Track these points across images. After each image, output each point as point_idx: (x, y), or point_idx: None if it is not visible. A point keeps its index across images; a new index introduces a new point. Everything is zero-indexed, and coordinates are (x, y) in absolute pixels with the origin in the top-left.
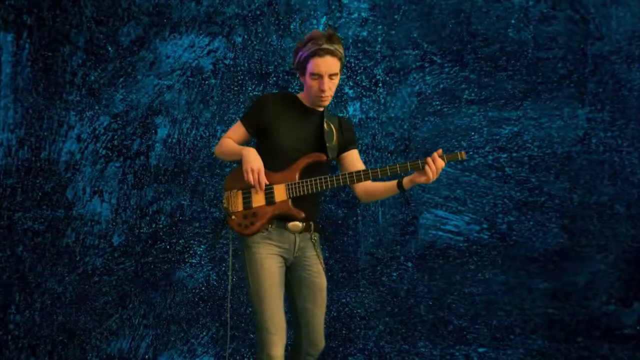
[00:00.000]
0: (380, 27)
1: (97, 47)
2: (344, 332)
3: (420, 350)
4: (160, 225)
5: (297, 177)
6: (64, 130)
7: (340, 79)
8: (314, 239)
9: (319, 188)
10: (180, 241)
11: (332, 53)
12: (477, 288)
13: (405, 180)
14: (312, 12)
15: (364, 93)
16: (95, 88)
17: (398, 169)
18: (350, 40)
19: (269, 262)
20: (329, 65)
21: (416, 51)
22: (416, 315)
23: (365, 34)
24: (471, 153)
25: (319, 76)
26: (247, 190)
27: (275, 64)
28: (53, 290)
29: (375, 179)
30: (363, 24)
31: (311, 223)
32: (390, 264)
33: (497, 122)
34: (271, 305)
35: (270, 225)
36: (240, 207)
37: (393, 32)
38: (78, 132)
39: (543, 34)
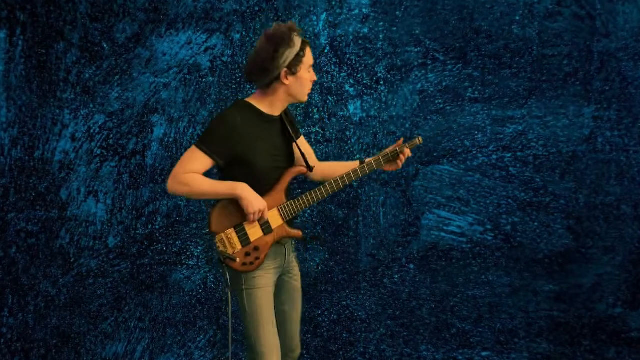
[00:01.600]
0: (381, 23)
1: (92, 44)
2: (344, 335)
3: (423, 354)
4: (157, 226)
5: (284, 197)
6: (58, 129)
7: (341, 76)
8: (293, 242)
9: (309, 203)
10: (177, 242)
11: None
12: (481, 290)
13: (368, 163)
14: (311, 9)
15: (365, 91)
16: (90, 86)
17: (374, 164)
18: (351, 37)
19: (264, 284)
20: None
21: (418, 48)
22: (418, 318)
23: (366, 30)
24: (475, 152)
25: (312, 67)
26: (239, 226)
27: None
28: (47, 293)
29: (357, 179)
30: (364, 20)
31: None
32: (391, 265)
33: (501, 121)
34: (267, 328)
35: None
36: (239, 246)
37: (395, 28)
38: (72, 131)
39: (548, 30)
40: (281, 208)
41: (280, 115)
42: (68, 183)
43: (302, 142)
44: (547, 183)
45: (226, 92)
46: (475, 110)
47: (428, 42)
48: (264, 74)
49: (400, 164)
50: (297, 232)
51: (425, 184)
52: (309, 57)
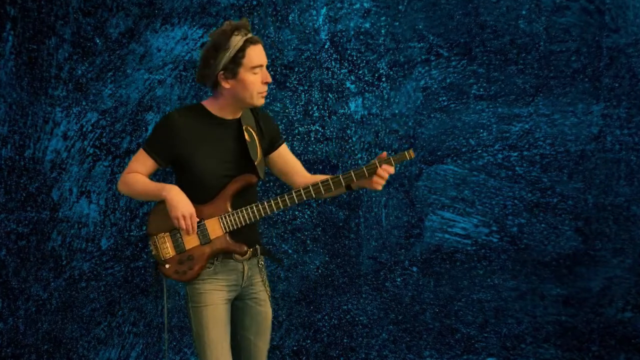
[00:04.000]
0: (383, 18)
1: (84, 39)
2: (345, 340)
3: None
4: None
5: (228, 206)
6: (50, 128)
7: (342, 73)
8: (261, 263)
9: (257, 216)
10: None
11: (260, 40)
12: (486, 294)
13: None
14: (311, 3)
15: (367, 88)
16: (83, 83)
17: (342, 180)
18: (352, 32)
19: (214, 299)
20: (264, 53)
21: (422, 44)
22: (421, 323)
23: (367, 25)
24: (480, 152)
25: (260, 67)
26: (175, 231)
27: (273, 57)
28: (38, 297)
29: (318, 195)
30: (365, 15)
31: (257, 247)
32: (394, 268)
33: (507, 119)
34: (216, 351)
35: (215, 259)
36: (172, 252)
37: (397, 23)
38: (64, 129)
39: (556, 25)
40: (222, 217)
41: (238, 120)
42: (60, 183)
43: (283, 151)
44: (554, 183)
45: None
46: (480, 108)
47: (432, 38)
48: (205, 77)
49: (377, 183)
50: (240, 246)
51: (428, 184)
52: (252, 58)
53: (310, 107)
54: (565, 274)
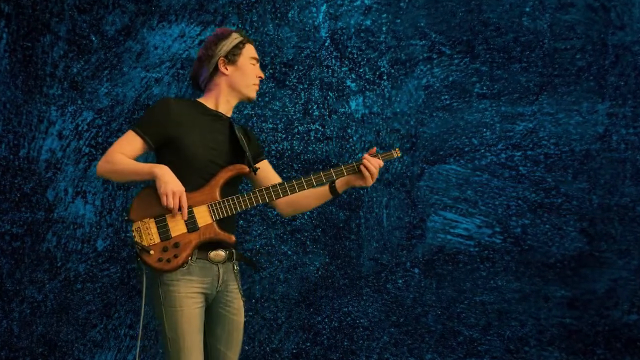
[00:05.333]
0: (384, 15)
1: (79, 37)
2: (345, 343)
3: None
4: None
5: (218, 195)
6: (45, 127)
7: (342, 71)
8: (236, 268)
9: (248, 205)
10: None
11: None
12: (489, 296)
13: (339, 182)
14: (311, 0)
15: (368, 86)
16: (78, 81)
17: (333, 174)
18: (353, 30)
19: (190, 304)
20: (257, 54)
21: (423, 41)
22: (423, 325)
23: (368, 22)
24: (483, 151)
25: (256, 61)
26: (161, 217)
27: (272, 55)
28: (33, 299)
29: (310, 187)
30: (366, 12)
31: (233, 250)
32: (395, 270)
33: (511, 118)
34: (191, 357)
35: (190, 258)
36: (157, 239)
37: (398, 20)
38: (59, 128)
39: (560, 22)
40: (212, 205)
41: (230, 118)
42: (55, 183)
43: (265, 166)
44: (559, 183)
45: None
46: (483, 107)
47: (434, 35)
48: (204, 66)
49: (368, 177)
50: (229, 236)
51: (430, 184)
52: (250, 50)
53: (310, 106)
54: (570, 275)
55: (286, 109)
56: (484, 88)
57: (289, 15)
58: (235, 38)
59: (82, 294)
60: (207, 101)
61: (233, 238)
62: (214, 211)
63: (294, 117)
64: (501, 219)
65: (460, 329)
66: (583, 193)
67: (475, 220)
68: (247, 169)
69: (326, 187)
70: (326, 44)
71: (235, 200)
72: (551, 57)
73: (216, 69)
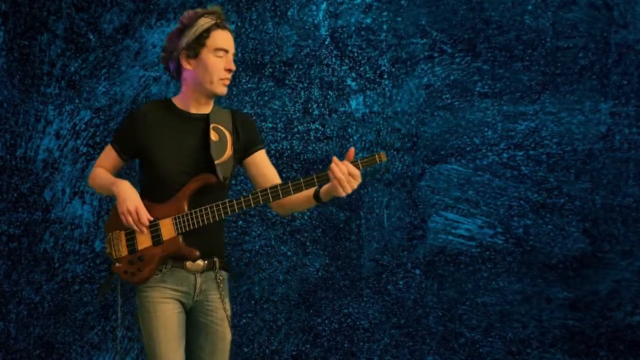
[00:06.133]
0: (385, 13)
1: (77, 35)
2: (345, 345)
3: None
4: None
5: (185, 207)
6: (42, 126)
7: (342, 70)
8: (219, 278)
9: (214, 218)
10: None
11: (230, 30)
12: (491, 297)
13: (322, 190)
14: None
15: (368, 85)
16: (76, 80)
17: (303, 184)
18: (353, 28)
19: (165, 309)
20: (231, 40)
21: (424, 40)
22: (424, 327)
23: (369, 21)
24: (484, 151)
25: (224, 52)
26: (130, 230)
27: (272, 53)
28: (30, 300)
29: (275, 199)
30: (367, 10)
31: (215, 259)
32: (396, 271)
33: (513, 117)
34: None
35: (164, 266)
36: (125, 252)
37: (399, 19)
38: (57, 127)
39: (562, 21)
40: (176, 218)
41: (207, 115)
42: (52, 183)
43: (259, 157)
44: (561, 183)
45: None
46: (484, 106)
47: (435, 33)
48: (168, 58)
49: (337, 186)
50: (191, 252)
51: (431, 184)
52: (217, 39)
53: (310, 105)
54: (572, 276)
55: (286, 108)
56: (486, 87)
57: (289, 13)
58: (201, 25)
59: (80, 295)
60: (179, 100)
61: (196, 253)
62: (178, 224)
63: (294, 116)
64: (503, 220)
65: (461, 331)
66: (586, 193)
67: (477, 220)
68: (213, 179)
69: (311, 193)
70: (326, 43)
71: (200, 213)
72: (553, 56)
73: (180, 63)
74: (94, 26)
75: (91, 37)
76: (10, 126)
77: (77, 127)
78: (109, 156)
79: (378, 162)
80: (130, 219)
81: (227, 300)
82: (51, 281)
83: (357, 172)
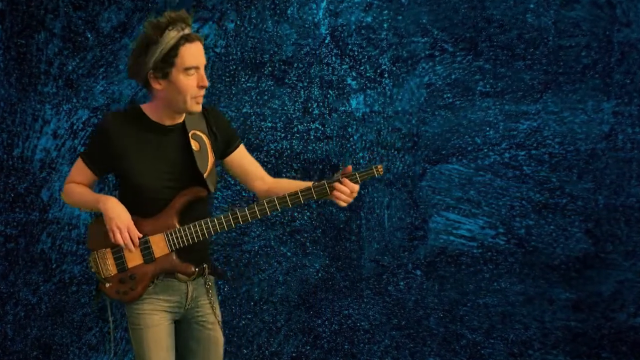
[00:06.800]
0: (386, 11)
1: (75, 33)
2: (346, 347)
3: None
4: None
5: (175, 222)
6: (39, 126)
7: (343, 69)
8: (209, 283)
9: (207, 234)
10: None
11: (199, 38)
12: (493, 299)
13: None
14: None
15: (368, 84)
16: (73, 79)
17: (301, 198)
18: (353, 27)
19: (155, 321)
20: (201, 53)
21: (425, 38)
22: (425, 328)
23: (369, 19)
24: (486, 150)
25: (195, 69)
26: (117, 248)
27: (271, 52)
28: (27, 301)
29: (273, 212)
30: (367, 8)
31: (204, 265)
32: (397, 272)
33: (515, 117)
34: None
35: (156, 279)
36: (114, 270)
37: (400, 17)
38: (54, 127)
39: (565, 19)
40: (168, 234)
41: (182, 124)
42: (49, 183)
43: (239, 155)
44: (563, 183)
45: (219, 85)
46: (486, 105)
47: (436, 32)
48: (135, 75)
49: (339, 199)
50: (187, 267)
51: (432, 185)
52: (185, 59)
53: (309, 105)
54: (575, 277)
55: (285, 108)
56: (487, 86)
57: (289, 11)
58: (167, 43)
59: (78, 296)
60: (151, 111)
61: (192, 268)
62: (170, 241)
63: (294, 115)
64: (505, 220)
65: (463, 332)
66: (588, 193)
67: (479, 221)
68: (203, 192)
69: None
70: (326, 41)
71: (194, 229)
72: (556, 55)
73: (149, 81)
74: (91, 25)
75: (89, 35)
76: (7, 125)
77: (75, 127)
78: (82, 172)
79: (375, 174)
80: (119, 237)
81: (216, 304)
82: (48, 282)
83: (357, 188)
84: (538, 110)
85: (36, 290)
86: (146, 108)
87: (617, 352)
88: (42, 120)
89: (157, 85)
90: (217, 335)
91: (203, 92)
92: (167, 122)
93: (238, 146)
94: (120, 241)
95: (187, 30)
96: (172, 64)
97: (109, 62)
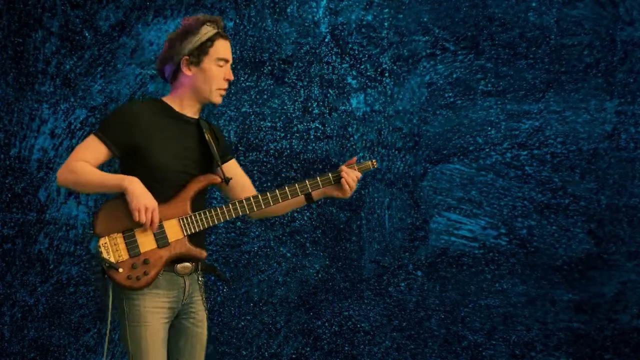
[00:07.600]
0: (386, 10)
1: (72, 32)
2: (346, 348)
3: None
4: None
5: (189, 208)
6: (36, 125)
7: (343, 68)
8: (201, 280)
9: (220, 219)
10: None
11: (230, 40)
12: (494, 300)
13: (315, 191)
14: None
15: (369, 84)
16: (71, 78)
17: (309, 186)
18: (354, 25)
19: (154, 319)
20: (230, 52)
21: (426, 37)
22: (426, 329)
23: (370, 18)
24: (488, 150)
25: (225, 61)
26: (129, 232)
27: (271, 51)
28: (24, 302)
29: (285, 200)
30: (368, 7)
31: (199, 261)
32: (397, 273)
33: (516, 116)
34: None
35: (167, 265)
36: (125, 255)
37: (401, 15)
38: (52, 126)
39: (567, 18)
40: (183, 219)
41: (198, 120)
42: (47, 183)
43: (234, 164)
44: (566, 183)
45: None
46: (488, 105)
47: (437, 31)
48: (167, 60)
49: (347, 190)
50: (200, 251)
51: (434, 185)
52: (219, 50)
53: (309, 104)
54: (577, 278)
55: (285, 107)
56: (489, 85)
57: (288, 10)
58: (204, 34)
59: (75, 298)
60: (174, 102)
61: (204, 253)
62: (185, 225)
63: (293, 115)
64: (506, 220)
65: (464, 334)
66: (591, 193)
67: (480, 221)
68: (218, 179)
69: (301, 195)
70: (326, 40)
71: (208, 214)
72: (558, 54)
73: (180, 67)
74: (89, 23)
75: (87, 34)
76: (4, 125)
77: (73, 126)
78: (94, 150)
79: (370, 167)
80: (144, 216)
81: (205, 301)
82: (46, 283)
83: (360, 175)
84: (540, 109)
85: (33, 291)
86: (169, 100)
87: (620, 353)
88: (40, 120)
89: (187, 72)
90: (204, 333)
91: (227, 85)
92: (188, 114)
93: (232, 159)
94: (144, 220)
95: (221, 30)
96: (206, 52)
97: (107, 61)
